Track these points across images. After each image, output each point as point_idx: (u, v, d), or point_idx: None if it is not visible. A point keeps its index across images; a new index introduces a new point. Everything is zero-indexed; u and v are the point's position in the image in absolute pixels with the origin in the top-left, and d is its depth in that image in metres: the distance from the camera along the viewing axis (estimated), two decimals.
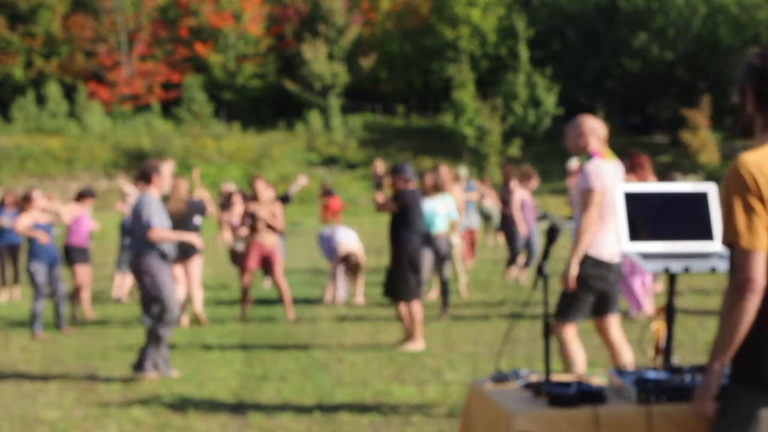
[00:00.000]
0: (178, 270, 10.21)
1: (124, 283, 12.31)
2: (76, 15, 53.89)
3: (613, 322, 5.56)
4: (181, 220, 9.97)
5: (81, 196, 10.80)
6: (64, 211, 10.54)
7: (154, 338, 7.08)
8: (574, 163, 9.84)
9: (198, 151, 46.43)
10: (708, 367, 2.67)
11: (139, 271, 7.11)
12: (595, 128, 5.25)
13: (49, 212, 10.04)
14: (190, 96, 51.11)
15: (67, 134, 47.85)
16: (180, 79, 52.63)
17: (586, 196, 5.13)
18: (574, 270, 5.22)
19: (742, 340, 2.59)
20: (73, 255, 10.59)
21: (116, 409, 6.09)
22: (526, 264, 12.71)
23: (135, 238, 7.15)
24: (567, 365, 5.42)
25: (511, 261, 12.66)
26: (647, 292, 8.95)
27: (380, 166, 8.13)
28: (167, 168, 7.50)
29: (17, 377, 7.28)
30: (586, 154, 5.28)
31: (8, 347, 8.78)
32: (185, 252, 9.97)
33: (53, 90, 50.19)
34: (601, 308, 5.44)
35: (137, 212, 7.13)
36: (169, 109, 51.97)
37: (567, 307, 5.40)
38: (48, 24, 53.43)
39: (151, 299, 7.08)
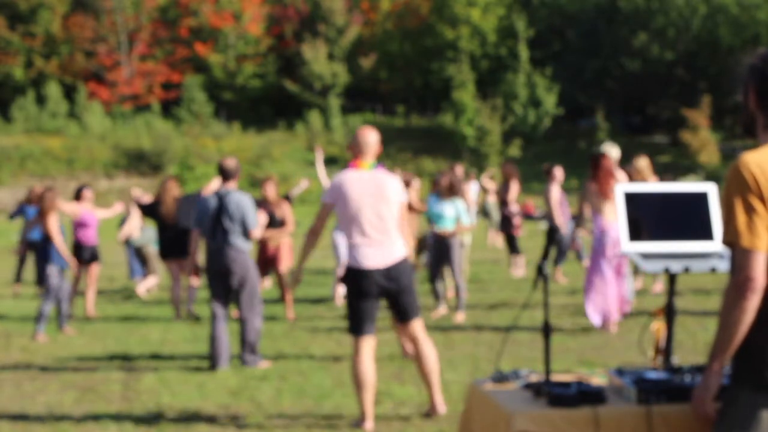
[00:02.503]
0: (175, 266, 10.33)
1: (147, 282, 12.51)
2: (76, 15, 53.86)
3: (413, 327, 5.56)
4: (172, 222, 10.18)
5: (79, 194, 10.85)
6: (67, 209, 10.59)
7: (252, 329, 7.38)
8: (612, 150, 9.29)
9: (198, 151, 46.41)
10: (707, 366, 2.67)
11: (231, 265, 7.36)
12: (366, 143, 5.48)
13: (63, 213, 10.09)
14: (190, 96, 51.08)
15: (67, 134, 47.82)
16: (180, 79, 52.61)
17: (319, 207, 5.55)
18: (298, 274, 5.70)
19: (742, 340, 2.59)
20: (81, 253, 10.64)
21: (116, 409, 6.10)
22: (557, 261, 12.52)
23: (232, 232, 7.38)
24: (357, 384, 5.39)
25: (558, 260, 12.48)
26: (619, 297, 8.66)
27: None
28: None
29: (17, 377, 7.28)
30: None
31: (8, 347, 8.78)
32: (184, 249, 10.12)
33: (53, 90, 50.16)
34: (398, 315, 5.53)
35: (236, 208, 7.38)
36: (169, 109, 51.95)
37: (350, 323, 5.47)
38: (48, 24, 53.40)
39: (244, 292, 7.41)
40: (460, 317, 9.49)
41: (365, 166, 5.47)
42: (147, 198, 11.62)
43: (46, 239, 9.32)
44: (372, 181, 5.43)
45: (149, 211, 10.55)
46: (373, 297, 5.39)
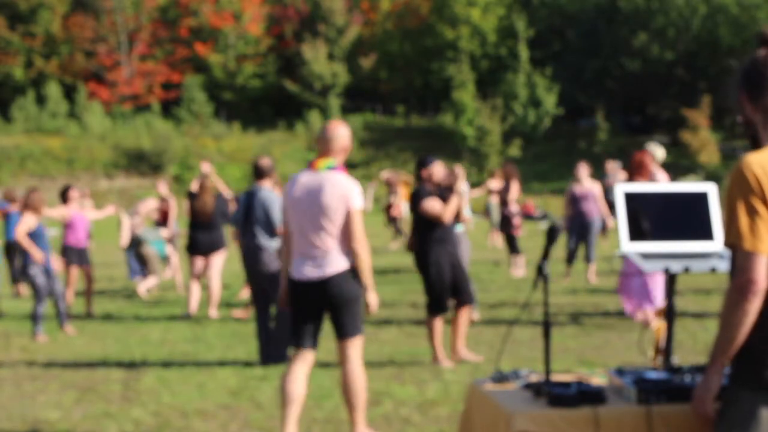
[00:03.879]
0: (200, 262, 10.42)
1: (147, 282, 12.50)
2: (76, 15, 53.87)
3: (346, 346, 5.02)
4: (207, 219, 10.36)
5: (64, 195, 10.81)
6: (55, 214, 10.59)
7: (264, 328, 7.53)
8: (657, 150, 9.23)
9: (198, 151, 46.41)
10: (708, 367, 2.67)
11: (258, 263, 7.53)
12: (328, 139, 4.94)
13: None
14: (190, 96, 51.08)
15: (67, 134, 47.83)
16: (180, 79, 52.62)
17: None
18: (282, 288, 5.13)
19: (743, 341, 2.59)
20: (68, 255, 10.65)
21: (116, 409, 6.10)
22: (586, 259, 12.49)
23: (257, 230, 7.54)
24: (281, 399, 5.01)
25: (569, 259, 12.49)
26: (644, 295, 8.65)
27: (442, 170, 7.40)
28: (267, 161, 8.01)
29: (17, 377, 7.28)
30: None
31: (8, 347, 8.78)
32: (213, 246, 10.37)
33: (53, 90, 50.16)
34: (334, 330, 5.07)
35: (265, 206, 7.57)
36: (169, 109, 51.96)
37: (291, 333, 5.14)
38: (48, 24, 53.41)
39: (265, 291, 7.55)
40: (474, 316, 9.42)
41: (320, 166, 4.91)
42: (153, 203, 11.74)
43: (31, 238, 9.25)
44: (314, 185, 4.87)
45: (189, 203, 10.58)
46: (306, 310, 4.99)
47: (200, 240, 10.44)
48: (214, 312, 10.38)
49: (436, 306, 7.11)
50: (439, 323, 7.13)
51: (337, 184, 4.85)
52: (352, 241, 4.87)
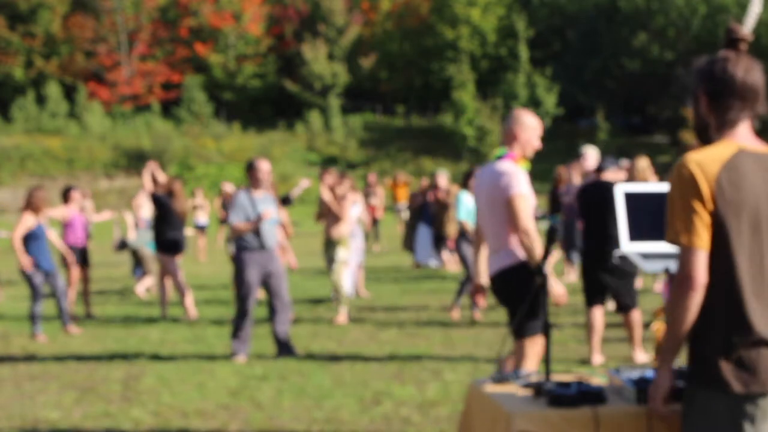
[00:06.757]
0: (172, 262, 10.45)
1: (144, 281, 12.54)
2: (76, 15, 53.86)
3: (517, 347, 4.76)
4: (182, 219, 10.45)
5: (66, 195, 10.82)
6: (56, 214, 10.60)
7: (234, 324, 7.75)
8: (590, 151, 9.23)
9: (198, 151, 46.40)
10: (658, 365, 2.70)
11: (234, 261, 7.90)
12: (507, 125, 4.78)
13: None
14: (190, 96, 51.05)
15: (67, 134, 47.80)
16: (180, 79, 52.60)
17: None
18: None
19: (692, 338, 2.62)
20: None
21: (116, 409, 6.10)
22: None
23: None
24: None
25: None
26: None
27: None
28: (264, 165, 7.89)
29: (17, 377, 7.28)
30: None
31: (8, 347, 8.78)
32: (179, 246, 10.56)
33: (53, 90, 50.13)
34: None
35: None
36: (169, 109, 51.93)
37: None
38: (48, 24, 53.39)
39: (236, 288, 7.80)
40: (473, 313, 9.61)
41: (493, 156, 4.78)
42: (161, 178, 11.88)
43: (29, 238, 9.23)
44: (483, 177, 4.76)
45: (160, 204, 10.59)
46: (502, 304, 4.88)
47: (181, 239, 10.64)
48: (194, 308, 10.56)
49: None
50: (638, 316, 7.06)
51: (495, 173, 4.65)
52: (517, 230, 4.57)
